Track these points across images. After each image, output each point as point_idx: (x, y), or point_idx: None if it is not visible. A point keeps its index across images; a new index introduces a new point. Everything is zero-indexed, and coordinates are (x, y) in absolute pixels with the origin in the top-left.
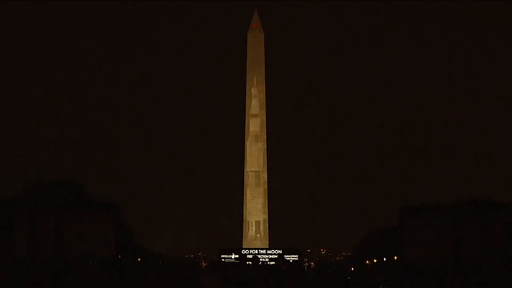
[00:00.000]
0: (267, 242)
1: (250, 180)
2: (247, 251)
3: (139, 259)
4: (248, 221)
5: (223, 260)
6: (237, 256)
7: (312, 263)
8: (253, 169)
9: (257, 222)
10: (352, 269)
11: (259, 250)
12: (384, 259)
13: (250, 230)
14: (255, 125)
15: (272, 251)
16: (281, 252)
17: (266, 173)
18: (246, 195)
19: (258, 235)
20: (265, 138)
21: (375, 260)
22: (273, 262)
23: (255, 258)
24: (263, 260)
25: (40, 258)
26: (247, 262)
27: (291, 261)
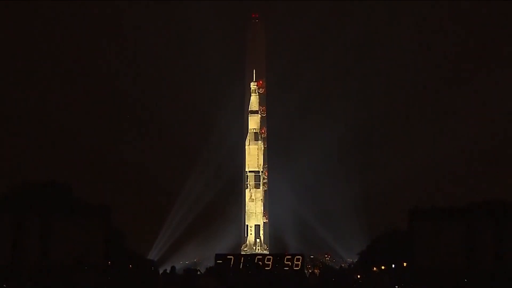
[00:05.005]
0: (267, 248)
1: (249, 181)
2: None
3: (130, 266)
4: (247, 225)
5: (220, 266)
6: (235, 262)
7: (316, 270)
8: (253, 170)
9: (257, 226)
10: (359, 276)
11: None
12: (393, 265)
13: (249, 234)
14: (254, 123)
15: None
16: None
17: (267, 174)
18: (245, 197)
19: (258, 239)
20: (266, 136)
21: (383, 267)
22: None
23: (255, 264)
24: (263, 266)
25: (25, 264)
26: (246, 268)
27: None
